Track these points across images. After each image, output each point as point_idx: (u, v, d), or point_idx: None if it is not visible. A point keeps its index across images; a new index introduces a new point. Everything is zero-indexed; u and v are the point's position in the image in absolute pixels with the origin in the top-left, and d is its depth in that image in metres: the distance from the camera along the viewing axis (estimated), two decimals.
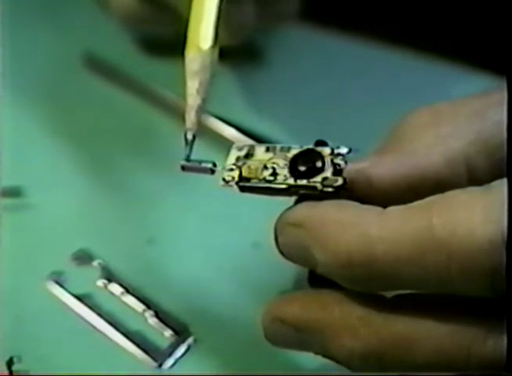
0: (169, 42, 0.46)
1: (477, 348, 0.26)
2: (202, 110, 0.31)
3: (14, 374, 0.36)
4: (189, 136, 0.31)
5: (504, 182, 0.26)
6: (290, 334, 0.29)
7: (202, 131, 0.45)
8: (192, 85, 0.32)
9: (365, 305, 0.28)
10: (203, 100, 0.32)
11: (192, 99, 0.32)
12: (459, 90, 0.29)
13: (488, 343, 0.26)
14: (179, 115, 0.45)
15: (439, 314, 0.27)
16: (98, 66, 0.48)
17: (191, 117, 0.31)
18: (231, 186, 0.29)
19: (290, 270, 0.31)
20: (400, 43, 0.47)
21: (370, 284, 0.27)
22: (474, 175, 0.28)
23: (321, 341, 0.28)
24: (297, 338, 0.29)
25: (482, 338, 0.26)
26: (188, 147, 0.31)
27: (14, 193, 0.42)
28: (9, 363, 0.36)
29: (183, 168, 0.30)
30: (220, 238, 0.41)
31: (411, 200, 0.27)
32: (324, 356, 0.29)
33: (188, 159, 0.31)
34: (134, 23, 0.47)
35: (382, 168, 0.28)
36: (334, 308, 0.28)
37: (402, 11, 0.48)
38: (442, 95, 0.30)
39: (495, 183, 0.26)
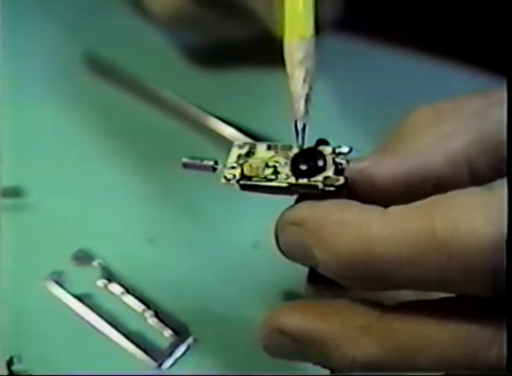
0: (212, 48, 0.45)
1: (483, 355, 0.26)
2: (310, 98, 0.31)
3: (14, 374, 0.36)
4: (300, 125, 0.30)
5: (505, 181, 0.26)
6: (289, 345, 0.28)
7: (202, 131, 0.45)
8: (299, 74, 0.31)
9: (366, 314, 0.27)
10: (311, 88, 0.31)
11: (300, 88, 0.30)
12: (460, 90, 0.29)
13: (493, 350, 0.26)
14: (179, 115, 0.46)
15: (443, 322, 0.26)
16: (99, 66, 0.48)
17: (301, 107, 0.30)
18: (232, 184, 0.29)
19: (290, 270, 0.31)
20: (401, 43, 0.47)
21: (371, 284, 0.27)
22: (475, 174, 0.28)
23: (321, 351, 0.28)
24: (297, 348, 0.28)
25: (487, 344, 0.26)
26: (299, 137, 0.30)
27: (14, 193, 0.42)
28: (9, 363, 0.36)
29: (184, 165, 0.30)
30: (220, 238, 0.41)
31: (412, 200, 0.26)
32: (324, 366, 0.28)
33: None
34: (179, 25, 0.46)
35: (383, 167, 0.28)
36: (334, 318, 0.28)
37: (402, 11, 0.48)
38: (442, 95, 0.30)
39: (497, 183, 0.26)
